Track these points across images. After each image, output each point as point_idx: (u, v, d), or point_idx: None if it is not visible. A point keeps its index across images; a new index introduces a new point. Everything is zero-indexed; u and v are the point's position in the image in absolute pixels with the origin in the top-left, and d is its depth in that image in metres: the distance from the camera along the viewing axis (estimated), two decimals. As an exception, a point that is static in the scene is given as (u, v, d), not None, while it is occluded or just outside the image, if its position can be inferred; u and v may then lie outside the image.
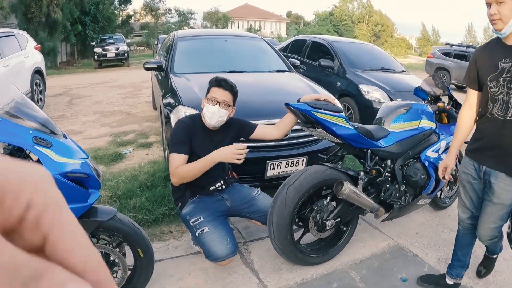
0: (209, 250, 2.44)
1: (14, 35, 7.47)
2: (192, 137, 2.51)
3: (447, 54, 13.68)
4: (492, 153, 2.10)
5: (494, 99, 2.02)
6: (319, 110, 2.41)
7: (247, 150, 2.44)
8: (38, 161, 1.65)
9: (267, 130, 2.76)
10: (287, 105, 2.49)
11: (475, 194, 2.28)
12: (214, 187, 2.66)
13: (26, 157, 1.75)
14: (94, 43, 21.03)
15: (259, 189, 2.86)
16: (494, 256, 2.64)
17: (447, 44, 14.84)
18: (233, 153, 2.39)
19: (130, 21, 33.43)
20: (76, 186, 1.75)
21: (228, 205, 2.69)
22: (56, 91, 9.86)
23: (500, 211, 2.15)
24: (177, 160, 2.47)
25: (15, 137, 1.59)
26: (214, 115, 2.47)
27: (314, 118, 2.39)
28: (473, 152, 2.23)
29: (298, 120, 2.62)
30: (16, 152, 1.68)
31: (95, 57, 19.15)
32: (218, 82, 2.50)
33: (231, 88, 2.50)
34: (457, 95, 3.33)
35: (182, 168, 2.45)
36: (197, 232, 2.48)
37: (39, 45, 8.71)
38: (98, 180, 1.90)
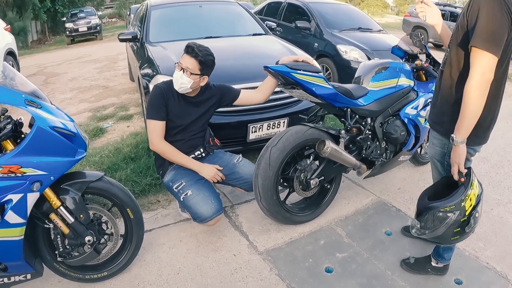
0: (195, 212, 2.48)
1: None
2: (167, 102, 2.51)
3: (424, 12, 13.63)
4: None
5: None
6: (298, 71, 2.40)
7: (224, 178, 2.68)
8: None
9: (251, 95, 2.77)
10: (266, 67, 2.48)
11: None
12: (193, 155, 2.66)
13: (20, 133, 1.88)
14: (64, 19, 20.38)
15: (240, 155, 2.87)
16: None
17: (423, 2, 14.78)
18: (212, 176, 2.59)
19: (100, -7, 32.32)
20: (65, 139, 1.83)
21: None
22: (30, 71, 9.56)
23: (434, 169, 2.12)
24: (156, 127, 2.50)
25: (10, 99, 1.74)
26: (177, 81, 2.46)
27: (293, 79, 2.39)
28: None
29: (279, 82, 2.63)
30: (16, 128, 1.84)
31: (67, 32, 18.65)
32: (186, 48, 2.46)
33: (195, 56, 2.42)
34: (435, 54, 3.34)
35: (164, 148, 2.54)
36: (181, 197, 2.51)
37: (9, 25, 8.38)
38: (84, 141, 1.97)
